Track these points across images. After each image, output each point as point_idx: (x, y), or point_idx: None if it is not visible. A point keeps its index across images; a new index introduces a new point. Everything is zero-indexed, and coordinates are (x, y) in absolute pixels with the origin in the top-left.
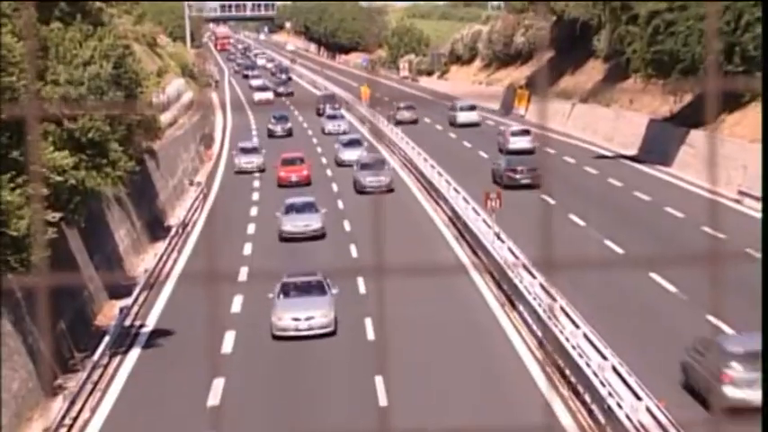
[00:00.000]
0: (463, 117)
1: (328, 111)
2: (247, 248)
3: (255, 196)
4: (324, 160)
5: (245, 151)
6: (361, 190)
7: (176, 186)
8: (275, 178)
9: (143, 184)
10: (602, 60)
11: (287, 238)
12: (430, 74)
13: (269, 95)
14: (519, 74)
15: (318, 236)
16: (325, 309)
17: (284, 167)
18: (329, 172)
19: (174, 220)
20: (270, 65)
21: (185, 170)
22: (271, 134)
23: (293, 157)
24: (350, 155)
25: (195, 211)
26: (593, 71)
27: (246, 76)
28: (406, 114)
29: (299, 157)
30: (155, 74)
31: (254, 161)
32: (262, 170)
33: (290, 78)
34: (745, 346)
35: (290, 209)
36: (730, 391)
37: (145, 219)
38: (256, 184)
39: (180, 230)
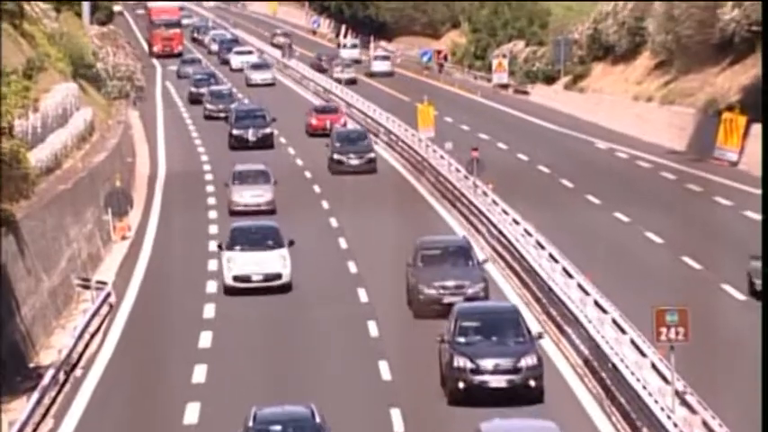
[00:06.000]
0: (346, 53)
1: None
2: (191, 412)
3: (209, 311)
4: None
5: None
6: None
7: (56, 290)
8: None
9: None
10: None
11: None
12: (551, 80)
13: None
14: (725, 82)
15: None
16: None
17: None
18: None
19: (49, 355)
20: (263, 76)
21: (75, 259)
22: None
23: None
24: None
25: (92, 338)
26: None
27: (241, 142)
28: None
29: None
30: (20, 73)
31: None
32: None
33: None
34: None
35: None
36: None
37: None
38: (211, 288)
39: (61, 377)
